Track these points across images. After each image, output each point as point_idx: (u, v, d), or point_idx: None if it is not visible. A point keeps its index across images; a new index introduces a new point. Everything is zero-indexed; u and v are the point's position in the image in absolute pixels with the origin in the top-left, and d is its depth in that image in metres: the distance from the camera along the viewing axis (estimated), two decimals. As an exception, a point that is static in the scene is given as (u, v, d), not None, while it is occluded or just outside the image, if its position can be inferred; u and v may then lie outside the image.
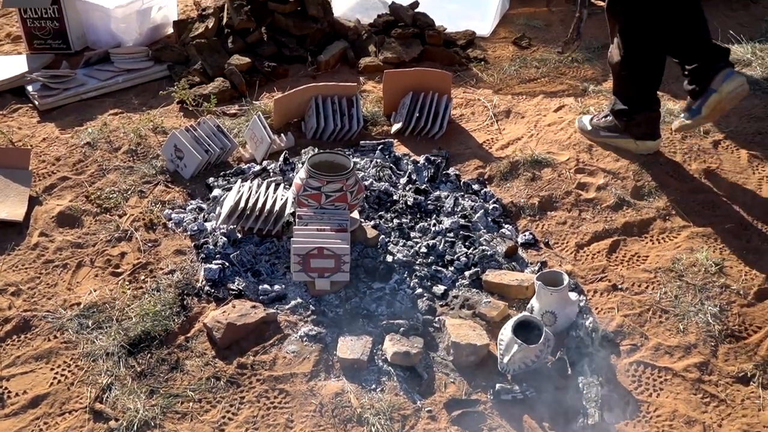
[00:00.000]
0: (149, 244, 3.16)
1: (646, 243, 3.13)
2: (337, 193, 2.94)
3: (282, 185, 3.34)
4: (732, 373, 2.57)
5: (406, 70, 4.01)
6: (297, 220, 2.97)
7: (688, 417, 2.42)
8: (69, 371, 2.64)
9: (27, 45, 4.77)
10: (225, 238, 3.08)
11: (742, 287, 2.87)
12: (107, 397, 2.53)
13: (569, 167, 3.48)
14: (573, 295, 2.77)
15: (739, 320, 2.75)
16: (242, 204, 3.11)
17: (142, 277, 3.00)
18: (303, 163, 3.10)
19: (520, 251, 3.12)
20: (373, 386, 2.54)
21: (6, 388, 2.59)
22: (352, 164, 2.99)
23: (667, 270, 2.96)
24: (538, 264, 3.03)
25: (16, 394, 2.57)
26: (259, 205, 3.12)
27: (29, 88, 4.28)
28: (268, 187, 3.27)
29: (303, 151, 3.65)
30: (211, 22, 4.51)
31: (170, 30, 4.93)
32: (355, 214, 3.15)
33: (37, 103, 4.18)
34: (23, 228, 3.27)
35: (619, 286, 2.91)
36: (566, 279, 2.67)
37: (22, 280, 3.02)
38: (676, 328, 2.74)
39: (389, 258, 3.02)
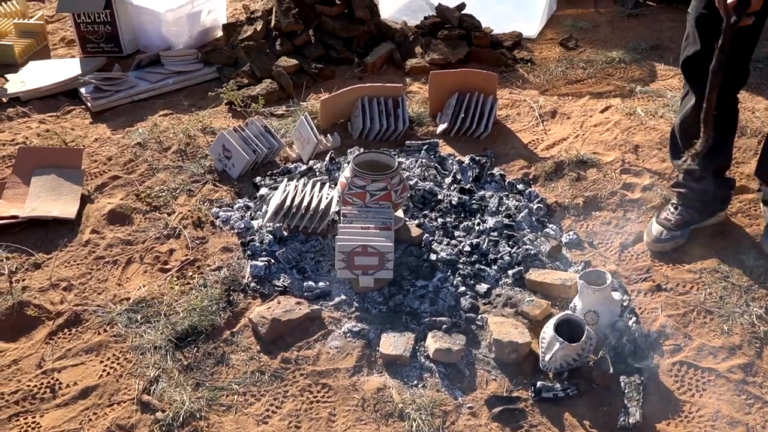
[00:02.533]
0: (197, 242, 3.22)
1: (692, 243, 3.09)
2: (381, 192, 2.97)
3: (327, 184, 3.38)
4: (777, 375, 2.55)
5: (451, 71, 4.03)
6: (342, 218, 3.00)
7: (731, 418, 2.40)
8: (118, 364, 2.71)
9: (80, 48, 4.90)
10: (271, 236, 3.13)
11: (789, 289, 2.83)
12: (154, 389, 2.58)
13: (614, 168, 3.47)
14: (616, 295, 2.76)
15: (786, 322, 2.72)
16: (288, 202, 3.15)
17: (190, 274, 3.06)
18: (348, 163, 3.13)
19: (564, 251, 3.11)
20: (415, 382, 2.56)
21: (57, 380, 2.66)
22: (396, 163, 3.02)
23: (712, 271, 2.93)
24: (582, 263, 3.02)
25: (67, 386, 2.64)
26: (305, 203, 3.17)
27: (82, 90, 4.40)
28: (313, 186, 3.31)
29: (349, 150, 3.69)
30: (259, 25, 4.58)
31: (219, 33, 5.03)
32: (400, 213, 3.17)
33: (89, 104, 4.29)
34: (75, 225, 3.36)
35: (663, 287, 2.89)
36: (609, 278, 2.66)
37: (73, 276, 3.10)
38: (721, 329, 2.71)
39: (433, 256, 3.03)
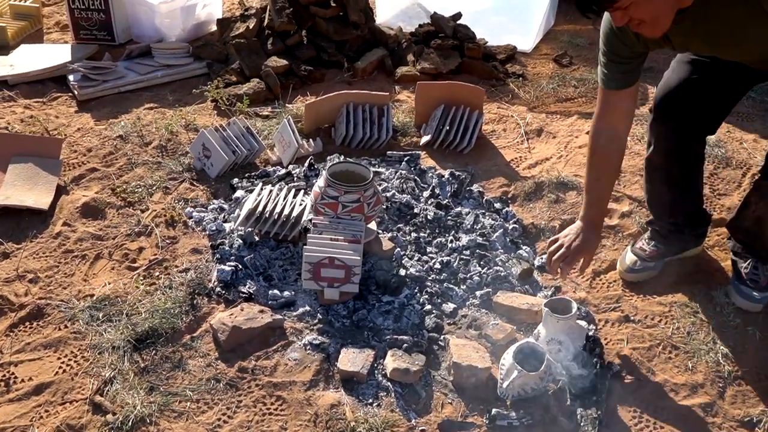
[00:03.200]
0: (167, 241, 3.19)
1: (665, 275, 3.05)
2: (354, 204, 2.94)
3: (303, 191, 3.34)
4: (737, 416, 2.50)
5: (439, 83, 4.00)
6: (312, 228, 2.97)
7: (687, 460, 2.37)
8: (75, 362, 2.68)
9: (73, 35, 4.86)
10: (241, 241, 3.10)
11: (758, 330, 2.79)
12: (108, 390, 2.56)
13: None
14: (581, 324, 2.73)
15: (751, 363, 2.67)
16: (260, 208, 3.13)
17: (157, 273, 3.03)
18: (324, 171, 3.10)
19: (536, 274, 3.08)
20: (370, 400, 2.53)
21: (13, 374, 2.63)
22: (371, 175, 2.98)
23: (682, 305, 2.89)
24: (552, 288, 2.99)
25: (22, 380, 2.61)
26: (278, 209, 3.14)
27: (71, 77, 4.37)
28: (288, 192, 3.28)
29: (329, 158, 3.66)
30: (252, 23, 4.55)
31: (214, 27, 4.99)
32: (373, 225, 3.14)
33: (76, 93, 4.26)
34: (48, 216, 3.33)
35: (632, 318, 2.86)
36: (574, 307, 2.63)
37: (41, 268, 3.07)
38: (685, 365, 2.67)
39: (402, 272, 3.00)
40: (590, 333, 2.76)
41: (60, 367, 2.66)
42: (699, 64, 2.64)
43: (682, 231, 2.96)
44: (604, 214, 2.86)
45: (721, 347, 2.72)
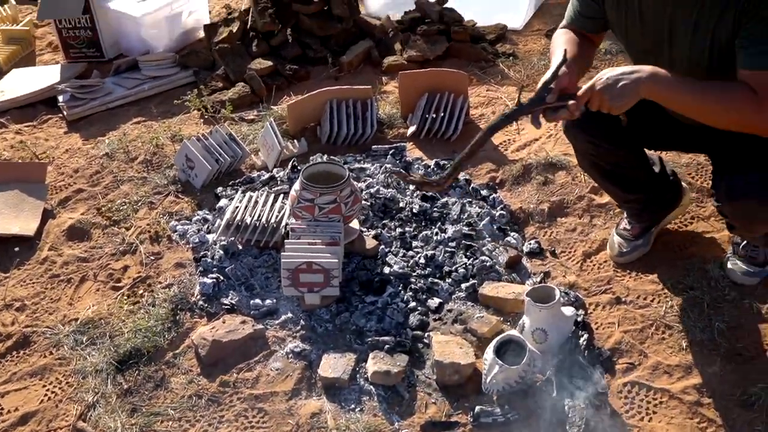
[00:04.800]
0: (152, 257, 3.17)
1: (657, 251, 2.94)
2: (330, 205, 2.88)
3: (282, 195, 3.29)
4: (734, 396, 2.39)
5: (421, 71, 3.91)
6: (290, 233, 2.92)
7: (680, 444, 2.27)
8: (59, 388, 2.67)
9: (64, 54, 4.87)
10: (222, 252, 3.06)
11: (754, 302, 2.67)
12: (91, 415, 2.54)
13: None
14: (568, 311, 2.63)
15: (749, 339, 2.56)
16: (239, 216, 3.09)
17: (140, 291, 3.01)
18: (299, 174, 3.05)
19: (525, 261, 2.99)
20: (353, 406, 2.48)
21: (0, 405, 2.64)
22: (347, 174, 2.92)
23: (675, 282, 2.78)
24: (541, 275, 2.90)
25: (8, 411, 2.61)
26: (256, 216, 3.09)
27: (60, 98, 4.37)
28: (268, 198, 3.23)
29: (311, 158, 3.60)
30: (235, 26, 4.50)
31: (202, 34, 4.95)
32: (355, 224, 3.08)
33: (65, 113, 4.26)
34: (35, 242, 3.33)
35: (623, 299, 2.75)
36: (557, 295, 2.54)
37: (28, 295, 3.07)
38: (679, 345, 2.56)
39: (386, 270, 2.94)
40: (579, 319, 2.67)
41: (45, 395, 2.66)
42: None
43: (648, 204, 2.84)
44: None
45: (717, 324, 2.60)
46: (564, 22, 2.60)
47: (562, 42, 2.48)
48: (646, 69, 2.13)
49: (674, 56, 2.28)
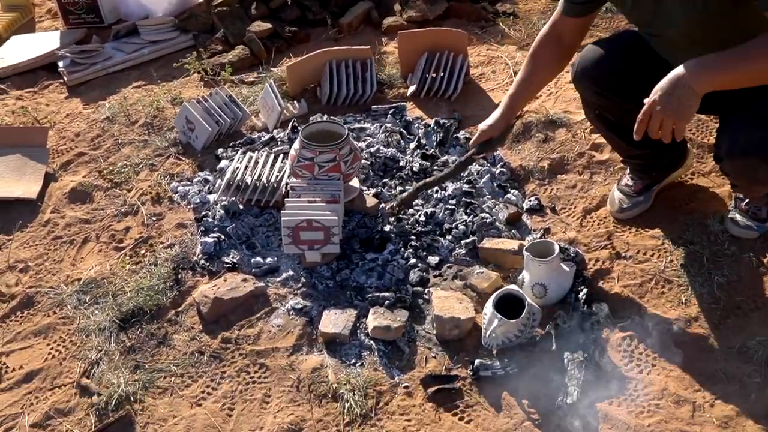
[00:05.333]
0: (153, 218, 3.18)
1: (658, 207, 2.93)
2: (330, 164, 2.88)
3: (282, 155, 3.29)
4: (733, 349, 2.39)
5: (420, 30, 3.89)
6: (290, 191, 2.92)
7: (678, 396, 2.27)
8: (63, 346, 2.70)
9: (63, 20, 4.85)
10: (223, 211, 3.07)
11: (755, 256, 2.66)
12: (95, 372, 2.57)
13: (584, 127, 3.29)
14: (567, 265, 2.64)
15: (748, 293, 2.55)
16: (239, 176, 3.09)
17: (143, 252, 3.03)
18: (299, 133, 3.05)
19: (525, 217, 2.99)
20: (354, 361, 2.50)
21: (5, 363, 2.67)
22: (346, 133, 2.92)
23: (675, 237, 2.77)
24: (541, 231, 2.90)
25: (14, 369, 2.65)
26: (256, 176, 3.10)
27: (60, 64, 4.36)
28: (268, 158, 3.23)
29: (311, 118, 3.59)
30: (234, -11, 4.48)
31: (201, -2, 4.92)
32: (355, 183, 3.08)
33: (65, 78, 4.25)
34: (37, 205, 3.35)
35: (623, 254, 2.75)
36: (557, 249, 2.54)
37: (31, 257, 3.09)
38: (678, 299, 2.57)
39: (387, 227, 2.94)
40: (578, 273, 2.67)
41: (49, 353, 2.69)
42: (628, 40, 2.60)
43: (654, 160, 2.83)
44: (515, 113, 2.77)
45: (717, 278, 2.59)
46: (555, 13, 2.62)
47: (521, 73, 2.67)
48: (684, 68, 2.08)
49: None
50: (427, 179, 2.96)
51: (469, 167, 3.16)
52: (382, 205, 3.03)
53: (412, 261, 2.81)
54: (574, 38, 2.63)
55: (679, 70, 2.08)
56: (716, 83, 2.09)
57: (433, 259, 2.82)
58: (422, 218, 2.97)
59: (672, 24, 2.29)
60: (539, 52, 2.65)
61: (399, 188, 3.13)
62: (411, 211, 3.03)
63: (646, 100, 2.15)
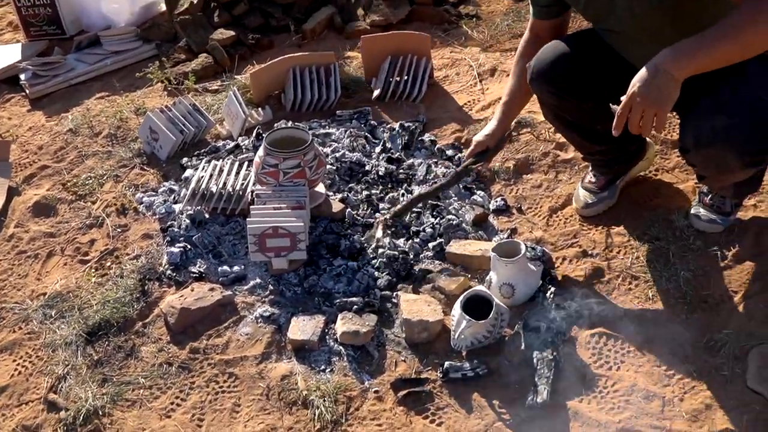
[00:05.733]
0: (119, 230, 3.15)
1: (623, 204, 2.95)
2: (295, 170, 2.87)
3: (247, 163, 3.28)
4: (701, 342, 2.40)
5: (383, 34, 3.89)
6: (255, 198, 2.91)
7: (647, 391, 2.28)
8: (30, 362, 2.66)
9: (24, 33, 4.80)
10: (189, 221, 3.05)
11: (720, 250, 2.67)
12: (62, 386, 2.54)
13: (549, 127, 3.29)
14: (534, 265, 2.64)
15: (714, 287, 2.57)
16: (203, 185, 3.07)
17: (108, 264, 2.99)
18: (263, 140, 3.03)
19: (491, 218, 3.00)
20: (323, 367, 2.49)
21: (-29, 381, 2.64)
22: (310, 138, 2.91)
23: (641, 233, 2.79)
24: (508, 231, 2.91)
25: (-20, 387, 2.61)
26: (221, 185, 3.08)
27: (22, 77, 4.32)
28: (232, 166, 3.22)
29: (275, 125, 3.58)
30: (196, -3, 4.46)
31: (163, 7, 4.88)
32: (321, 188, 3.07)
33: (27, 91, 4.21)
34: (0, 219, 3.30)
35: (590, 252, 2.77)
36: (523, 249, 2.55)
37: (-5, 272, 3.05)
38: (645, 295, 2.58)
39: (354, 238, 2.94)
40: (546, 272, 2.68)
41: (15, 369, 2.65)
42: (584, 40, 2.60)
43: (615, 155, 2.85)
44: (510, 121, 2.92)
45: (683, 272, 2.60)
46: (530, 21, 2.69)
47: (508, 86, 2.80)
48: (660, 56, 2.06)
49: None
50: (422, 191, 2.95)
51: (435, 170, 3.17)
52: (377, 216, 3.01)
53: (378, 264, 2.80)
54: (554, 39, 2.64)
55: (656, 59, 2.07)
56: (694, 66, 2.06)
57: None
58: (389, 222, 2.96)
59: (627, 18, 2.30)
60: (523, 56, 2.69)
61: (365, 192, 3.12)
62: (377, 214, 3.02)
63: (623, 97, 2.13)
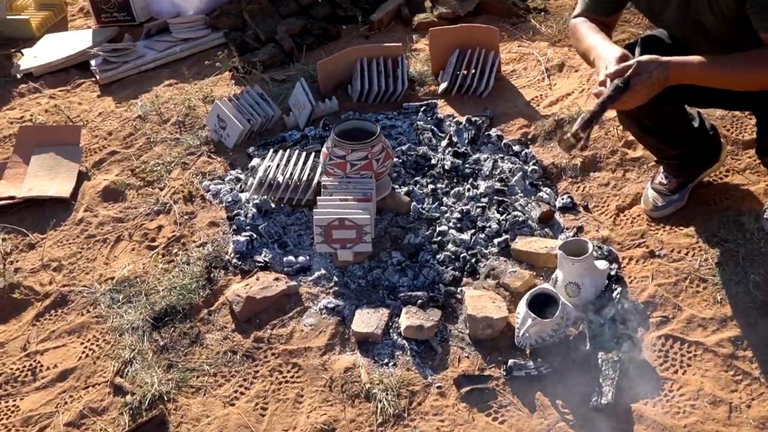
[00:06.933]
0: (186, 217, 3.19)
1: (693, 204, 2.89)
2: (362, 161, 2.88)
3: (314, 154, 3.29)
4: (771, 348, 2.37)
5: (452, 27, 3.87)
6: (322, 189, 2.92)
7: (714, 396, 2.25)
8: (97, 345, 2.72)
9: (95, 19, 4.88)
10: (255, 210, 3.07)
11: (792, 253, 2.62)
12: (128, 371, 2.59)
13: (617, 124, 3.25)
14: (601, 264, 2.61)
15: (785, 290, 2.52)
16: (271, 174, 3.10)
17: (175, 250, 3.04)
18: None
19: (557, 216, 2.97)
20: (386, 360, 2.50)
21: (39, 362, 2.70)
22: (378, 130, 2.91)
23: (710, 235, 2.74)
24: (574, 229, 2.88)
25: (48, 368, 2.67)
26: (288, 175, 3.10)
27: (92, 62, 4.40)
28: (300, 156, 3.23)
29: (343, 115, 3.59)
30: (265, -13, 4.48)
31: (232, -4, 4.93)
32: (387, 181, 3.07)
33: (98, 77, 4.28)
34: (71, 204, 3.38)
35: (657, 253, 2.72)
36: (590, 248, 2.52)
37: (64, 256, 3.12)
38: (713, 298, 2.54)
39: (418, 232, 2.93)
40: (612, 272, 2.65)
41: (83, 352, 2.71)
42: (655, 44, 2.54)
43: (689, 159, 2.79)
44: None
45: (753, 276, 2.56)
46: (578, 10, 2.58)
47: (589, 29, 2.46)
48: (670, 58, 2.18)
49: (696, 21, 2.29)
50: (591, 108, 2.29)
51: (501, 165, 3.16)
52: (566, 134, 2.43)
53: (442, 258, 2.80)
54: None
55: (667, 57, 2.19)
56: (688, 78, 2.22)
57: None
58: (456, 216, 2.95)
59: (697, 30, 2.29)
60: (586, 22, 2.52)
61: (431, 186, 3.11)
62: (443, 208, 3.02)
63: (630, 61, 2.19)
